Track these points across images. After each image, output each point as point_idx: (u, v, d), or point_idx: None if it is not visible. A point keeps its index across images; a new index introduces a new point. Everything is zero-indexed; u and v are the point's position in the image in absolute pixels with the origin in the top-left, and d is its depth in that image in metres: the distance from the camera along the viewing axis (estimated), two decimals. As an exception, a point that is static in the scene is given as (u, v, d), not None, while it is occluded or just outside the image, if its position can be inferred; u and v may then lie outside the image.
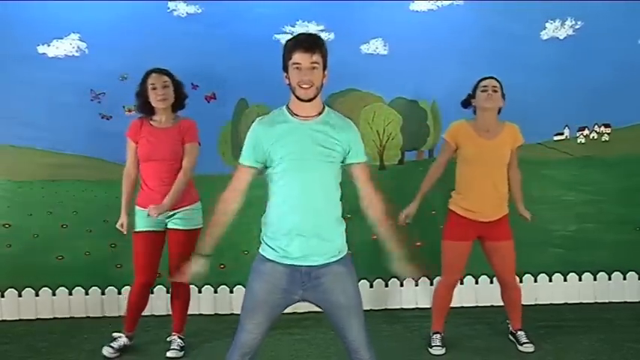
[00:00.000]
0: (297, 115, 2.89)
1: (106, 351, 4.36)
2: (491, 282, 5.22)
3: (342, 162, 2.95)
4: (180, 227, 4.27)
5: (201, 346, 4.61)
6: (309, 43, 2.84)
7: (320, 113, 2.91)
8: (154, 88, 4.19)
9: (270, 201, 2.94)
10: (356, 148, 2.97)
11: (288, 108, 2.91)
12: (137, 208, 4.31)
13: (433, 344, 4.41)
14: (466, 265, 4.37)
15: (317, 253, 2.85)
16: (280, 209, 2.88)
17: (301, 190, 2.84)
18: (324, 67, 2.89)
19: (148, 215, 4.16)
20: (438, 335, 4.45)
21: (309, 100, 2.86)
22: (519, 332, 4.47)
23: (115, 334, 4.46)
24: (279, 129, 2.87)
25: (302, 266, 2.85)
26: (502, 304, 4.56)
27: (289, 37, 2.94)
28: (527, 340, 4.40)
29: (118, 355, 4.38)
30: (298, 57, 2.82)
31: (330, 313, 2.95)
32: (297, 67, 2.83)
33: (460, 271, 4.38)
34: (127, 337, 4.46)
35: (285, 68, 2.89)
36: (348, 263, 2.96)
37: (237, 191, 2.99)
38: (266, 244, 2.92)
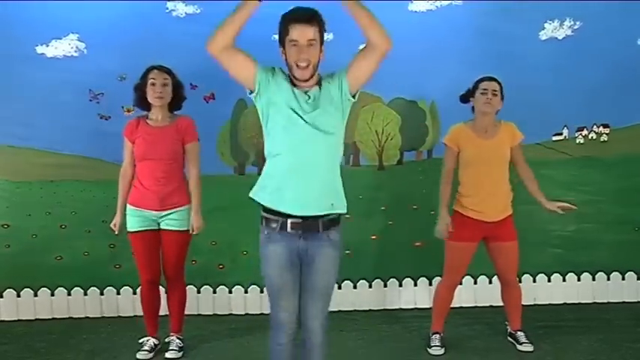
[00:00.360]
0: (295, 86, 2.95)
1: (140, 355, 4.37)
2: (490, 282, 5.21)
3: (346, 93, 2.95)
4: (174, 228, 4.26)
5: (200, 346, 4.60)
6: (307, 18, 2.86)
7: (317, 83, 2.97)
8: (153, 84, 4.18)
9: (267, 154, 3.00)
10: (341, 75, 2.96)
11: (290, 78, 2.97)
12: (129, 207, 4.29)
13: (432, 344, 4.41)
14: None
15: (312, 203, 2.92)
16: (278, 174, 2.94)
17: (296, 157, 2.89)
18: (322, 43, 2.92)
19: (140, 215, 4.22)
20: (438, 335, 4.45)
21: (306, 81, 2.91)
22: (519, 332, 4.47)
23: (141, 340, 4.47)
24: (286, 85, 2.93)
25: (300, 233, 2.92)
26: (501, 304, 4.56)
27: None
28: (526, 340, 4.40)
29: (153, 356, 4.40)
30: (295, 33, 2.85)
31: (305, 289, 3.04)
32: (294, 44, 2.85)
33: (462, 272, 4.39)
34: (153, 337, 4.48)
35: (282, 43, 2.91)
36: (338, 246, 3.05)
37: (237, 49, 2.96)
38: (261, 192, 2.99)
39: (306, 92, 2.94)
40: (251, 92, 2.97)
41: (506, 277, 4.39)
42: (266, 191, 2.97)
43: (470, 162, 4.23)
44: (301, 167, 2.89)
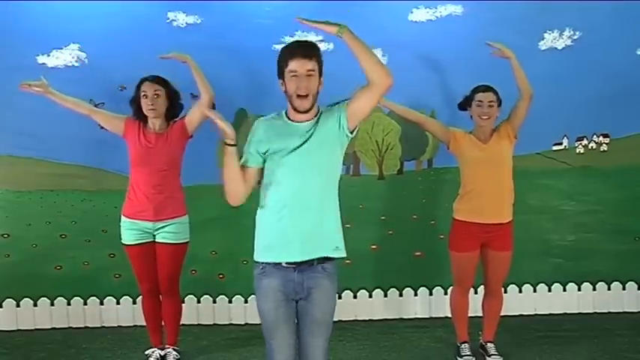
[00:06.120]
0: (293, 121, 2.95)
1: None
2: (476, 292, 5.10)
3: (344, 129, 2.95)
4: (169, 241, 4.25)
5: (199, 357, 4.60)
6: (306, 50, 2.88)
7: (315, 116, 2.96)
8: (145, 97, 4.17)
9: (263, 200, 2.99)
10: (341, 110, 2.96)
11: (285, 114, 2.98)
12: (124, 218, 4.27)
13: (463, 354, 4.40)
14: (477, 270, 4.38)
15: (312, 249, 2.91)
16: (273, 211, 2.93)
17: (294, 193, 2.88)
18: (320, 74, 2.93)
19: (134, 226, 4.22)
20: (466, 345, 4.44)
21: (306, 112, 2.90)
22: (489, 344, 4.46)
23: (147, 352, 4.48)
24: (276, 128, 2.95)
25: (294, 267, 2.90)
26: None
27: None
28: (495, 352, 4.40)
29: None
30: (295, 65, 2.86)
31: (304, 323, 3.01)
32: (294, 75, 2.86)
33: (471, 278, 4.38)
34: (158, 348, 4.48)
35: (281, 75, 2.92)
36: (334, 278, 3.02)
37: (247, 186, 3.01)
38: (263, 251, 2.97)
39: (302, 131, 2.92)
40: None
41: (492, 286, 4.41)
42: (267, 249, 2.95)
43: (473, 164, 4.24)
44: (297, 209, 2.87)
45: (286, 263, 2.91)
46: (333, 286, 3.01)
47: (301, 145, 2.89)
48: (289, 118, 2.96)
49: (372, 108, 2.97)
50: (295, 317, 3.00)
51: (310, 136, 2.91)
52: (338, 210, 3.01)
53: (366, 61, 2.85)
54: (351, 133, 2.98)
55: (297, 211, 2.88)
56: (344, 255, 3.02)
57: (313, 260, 2.92)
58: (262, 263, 2.96)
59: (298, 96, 2.86)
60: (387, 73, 2.87)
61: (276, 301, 2.94)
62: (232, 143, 2.90)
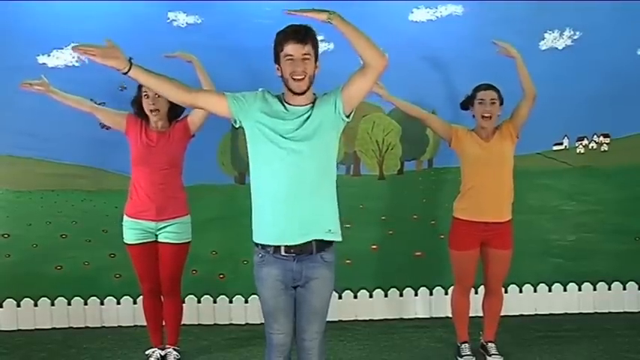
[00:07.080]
0: (290, 104, 2.96)
1: None
2: (476, 292, 5.04)
3: (340, 113, 2.96)
4: (171, 241, 4.24)
5: (199, 357, 4.60)
6: (301, 34, 2.89)
7: (312, 102, 2.98)
8: (147, 97, 4.16)
9: (254, 188, 3.01)
10: (336, 94, 2.97)
11: (282, 97, 2.99)
12: (126, 218, 4.26)
13: (463, 354, 4.40)
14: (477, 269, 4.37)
15: (305, 232, 2.94)
16: (268, 196, 2.94)
17: (290, 177, 2.89)
18: (316, 58, 2.95)
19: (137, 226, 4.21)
20: (467, 344, 4.44)
21: (302, 93, 2.92)
22: (490, 344, 4.46)
23: (148, 351, 4.48)
24: (273, 109, 2.96)
25: (293, 256, 2.94)
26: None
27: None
28: (496, 352, 4.40)
29: None
30: (290, 48, 2.88)
31: (302, 310, 3.05)
32: (290, 59, 2.87)
33: (472, 276, 4.37)
34: (159, 349, 4.48)
35: (277, 60, 2.93)
36: (332, 267, 3.06)
37: (196, 93, 3.13)
38: (257, 232, 3.01)
39: (297, 114, 2.94)
40: (235, 122, 3.01)
41: (492, 284, 4.40)
42: (261, 229, 2.99)
43: (474, 162, 4.24)
44: (292, 194, 2.89)
45: (285, 252, 2.94)
46: (332, 275, 3.06)
47: (297, 129, 2.91)
48: (286, 102, 2.97)
49: (368, 91, 2.98)
50: (294, 304, 3.05)
51: (306, 121, 2.92)
52: (334, 195, 3.03)
53: (359, 44, 2.85)
54: (347, 117, 3.00)
55: (293, 195, 2.89)
56: (339, 239, 3.05)
57: (311, 247, 2.95)
58: (261, 251, 2.99)
59: (294, 79, 2.88)
60: (381, 55, 2.87)
61: (276, 289, 2.99)
62: (125, 70, 3.01)
